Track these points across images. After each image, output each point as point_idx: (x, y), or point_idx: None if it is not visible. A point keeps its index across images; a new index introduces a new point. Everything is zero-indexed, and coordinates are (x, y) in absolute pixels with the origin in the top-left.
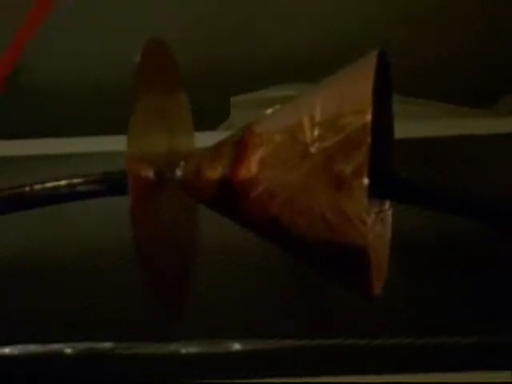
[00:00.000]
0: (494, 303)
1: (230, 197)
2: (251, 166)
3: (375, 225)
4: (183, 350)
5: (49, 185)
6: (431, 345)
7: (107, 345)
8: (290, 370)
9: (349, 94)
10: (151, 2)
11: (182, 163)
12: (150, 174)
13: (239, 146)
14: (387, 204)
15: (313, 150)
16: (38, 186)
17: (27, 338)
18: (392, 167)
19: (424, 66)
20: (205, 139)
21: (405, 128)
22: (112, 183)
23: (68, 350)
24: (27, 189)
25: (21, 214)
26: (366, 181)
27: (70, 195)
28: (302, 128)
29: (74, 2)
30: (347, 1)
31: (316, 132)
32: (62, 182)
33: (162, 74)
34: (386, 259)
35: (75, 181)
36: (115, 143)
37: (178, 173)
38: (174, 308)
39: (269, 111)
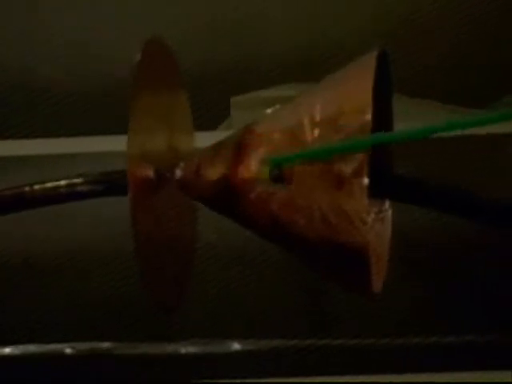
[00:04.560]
0: (494, 303)
1: (229, 197)
2: (251, 165)
3: (375, 224)
4: (183, 350)
5: (49, 185)
6: (431, 345)
7: (107, 345)
8: (290, 370)
9: (349, 94)
10: (151, 2)
11: (181, 163)
12: (150, 173)
13: (239, 146)
14: (387, 204)
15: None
16: (37, 186)
17: (27, 338)
18: (392, 167)
19: (424, 66)
20: (205, 139)
21: (405, 128)
22: (112, 183)
23: (68, 350)
24: (27, 189)
25: (21, 213)
26: (365, 180)
27: (70, 195)
28: (302, 128)
29: (74, 2)
30: (347, 1)
31: (316, 132)
32: (62, 182)
33: (162, 74)
34: (386, 259)
35: (75, 181)
36: (115, 143)
37: (178, 173)
38: (172, 308)
39: (269, 111)
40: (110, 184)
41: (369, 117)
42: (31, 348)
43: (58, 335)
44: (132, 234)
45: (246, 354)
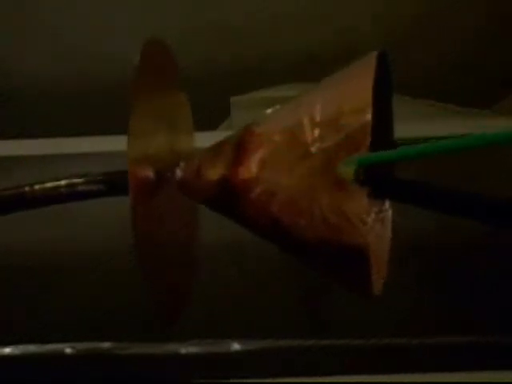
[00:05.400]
0: (494, 303)
1: (230, 197)
2: (251, 166)
3: (375, 225)
4: (183, 350)
5: (49, 185)
6: (431, 345)
7: (107, 345)
8: (290, 370)
9: (349, 94)
10: (151, 2)
11: (182, 163)
12: (150, 174)
13: (239, 146)
14: (387, 204)
15: (313, 149)
16: (38, 186)
17: (27, 338)
18: (392, 167)
19: (424, 66)
20: (205, 139)
21: (405, 128)
22: (112, 183)
23: (68, 350)
24: (27, 189)
25: (21, 213)
26: None
27: (70, 195)
28: (302, 128)
29: (74, 2)
30: (347, 1)
31: (316, 132)
32: (62, 182)
33: (162, 74)
34: (386, 259)
35: (75, 181)
36: (115, 143)
37: (178, 173)
38: (174, 310)
39: (269, 111)
40: (110, 184)
41: (369, 117)
42: (31, 348)
43: (58, 335)
44: (132, 235)
45: (246, 353)
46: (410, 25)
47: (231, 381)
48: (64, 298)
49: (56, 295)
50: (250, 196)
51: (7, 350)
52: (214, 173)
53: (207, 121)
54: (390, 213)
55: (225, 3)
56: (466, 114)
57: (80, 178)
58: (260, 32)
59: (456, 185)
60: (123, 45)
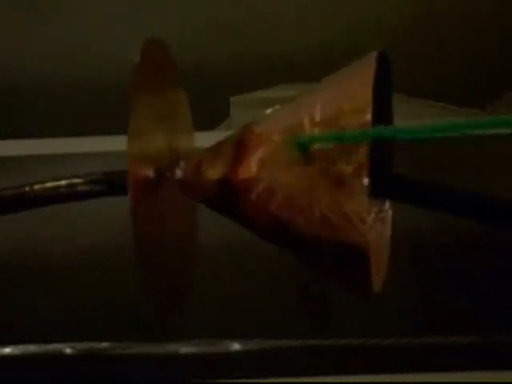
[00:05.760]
0: (494, 303)
1: (229, 197)
2: (251, 165)
3: (375, 224)
4: (183, 350)
5: (49, 185)
6: (431, 345)
7: (107, 345)
8: (290, 370)
9: (349, 94)
10: (151, 2)
11: (181, 163)
12: (150, 173)
13: (239, 146)
14: (387, 204)
15: (313, 149)
16: (37, 186)
17: (27, 338)
18: (392, 167)
19: (424, 66)
20: (205, 139)
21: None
22: (112, 183)
23: (68, 350)
24: (27, 189)
25: (21, 213)
26: (366, 181)
27: (70, 195)
28: (302, 128)
29: (74, 2)
30: (347, 1)
31: (316, 132)
32: (62, 182)
33: (162, 74)
34: (386, 259)
35: (75, 181)
36: (115, 143)
37: (178, 173)
38: (173, 308)
39: (269, 111)
40: (110, 184)
41: (369, 117)
42: (31, 348)
43: (58, 335)
44: (132, 234)
45: (246, 354)
46: (410, 25)
47: (231, 381)
48: (64, 297)
49: (56, 295)
50: (250, 195)
51: (7, 350)
52: (214, 172)
53: (207, 121)
54: (390, 212)
55: (225, 3)
56: (466, 114)
57: (80, 178)
58: (260, 32)
59: (451, 182)
60: (123, 45)
